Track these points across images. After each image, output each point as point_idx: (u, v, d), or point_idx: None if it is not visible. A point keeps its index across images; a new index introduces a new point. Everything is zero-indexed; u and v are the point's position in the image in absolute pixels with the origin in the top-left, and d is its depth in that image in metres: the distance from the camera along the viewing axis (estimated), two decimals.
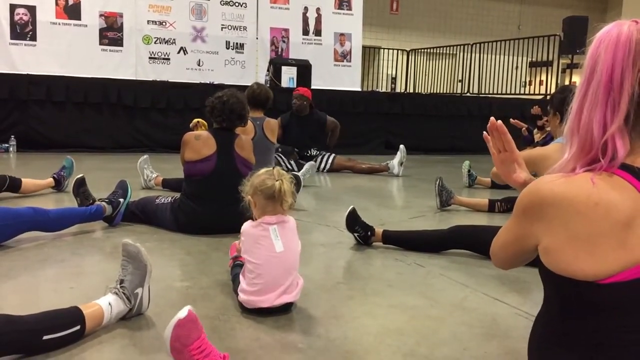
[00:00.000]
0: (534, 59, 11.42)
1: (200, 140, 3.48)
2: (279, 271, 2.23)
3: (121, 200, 3.55)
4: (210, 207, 3.43)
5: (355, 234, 3.35)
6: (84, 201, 3.70)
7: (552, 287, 1.20)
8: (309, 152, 6.68)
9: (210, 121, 3.79)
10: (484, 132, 1.44)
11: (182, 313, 1.61)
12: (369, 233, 3.33)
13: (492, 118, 1.39)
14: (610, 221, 1.07)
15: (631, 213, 1.07)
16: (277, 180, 2.23)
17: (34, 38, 8.39)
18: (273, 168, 2.33)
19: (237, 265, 2.46)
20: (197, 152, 3.46)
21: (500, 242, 1.33)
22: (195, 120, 4.81)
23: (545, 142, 5.29)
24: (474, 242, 3.13)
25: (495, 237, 1.36)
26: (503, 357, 1.96)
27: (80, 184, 3.78)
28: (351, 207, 3.38)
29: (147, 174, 4.97)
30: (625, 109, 1.09)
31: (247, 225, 2.31)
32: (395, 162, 6.62)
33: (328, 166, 6.70)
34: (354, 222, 3.35)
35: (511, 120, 3.95)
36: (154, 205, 3.61)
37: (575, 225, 1.09)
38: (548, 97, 7.23)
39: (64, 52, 8.47)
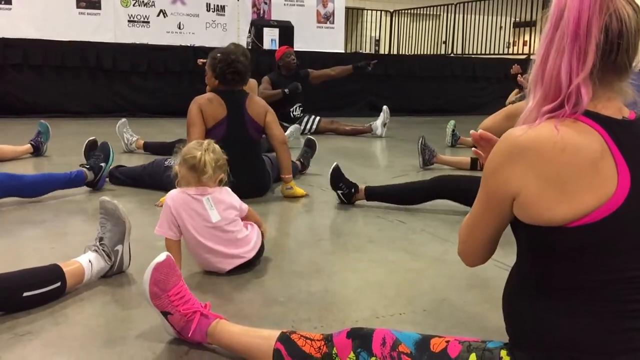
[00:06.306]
0: (518, 19, 11.35)
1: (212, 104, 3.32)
2: (221, 242, 2.16)
3: (102, 165, 3.47)
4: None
5: (339, 192, 3.34)
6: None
7: (525, 239, 1.21)
8: (294, 112, 6.60)
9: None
10: (473, 148, 1.44)
11: (160, 257, 1.62)
12: (353, 190, 3.32)
13: (472, 132, 1.39)
14: (577, 165, 1.08)
15: (597, 155, 1.09)
16: (202, 151, 2.14)
17: (9, 2, 8.22)
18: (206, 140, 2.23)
19: None
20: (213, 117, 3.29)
21: (471, 221, 1.30)
22: None
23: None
24: (456, 190, 3.09)
25: (462, 227, 1.33)
26: (481, 305, 1.99)
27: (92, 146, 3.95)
28: (334, 164, 3.37)
29: (127, 137, 4.91)
30: (592, 57, 1.09)
31: (173, 191, 2.18)
32: (378, 123, 6.60)
33: (313, 128, 6.66)
34: (338, 179, 3.34)
35: (518, 79, 4.05)
36: (165, 167, 3.35)
37: (545, 173, 1.10)
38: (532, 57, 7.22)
39: (40, 16, 8.29)
